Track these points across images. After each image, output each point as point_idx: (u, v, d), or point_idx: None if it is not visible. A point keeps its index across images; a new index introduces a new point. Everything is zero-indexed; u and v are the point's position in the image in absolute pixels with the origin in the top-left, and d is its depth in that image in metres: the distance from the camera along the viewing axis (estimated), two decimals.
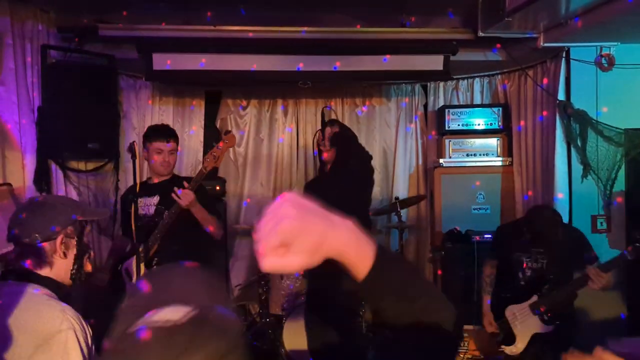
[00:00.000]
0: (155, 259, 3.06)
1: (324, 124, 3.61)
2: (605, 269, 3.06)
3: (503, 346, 3.50)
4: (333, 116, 5.65)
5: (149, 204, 3.23)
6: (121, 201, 3.59)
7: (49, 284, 1.72)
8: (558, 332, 3.35)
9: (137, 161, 2.88)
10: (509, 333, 3.47)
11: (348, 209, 3.24)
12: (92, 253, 1.94)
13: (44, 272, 1.74)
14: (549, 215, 3.41)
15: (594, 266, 3.14)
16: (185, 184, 3.05)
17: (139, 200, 3.20)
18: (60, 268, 1.78)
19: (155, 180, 3.33)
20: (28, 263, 1.72)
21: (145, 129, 3.61)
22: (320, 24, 4.40)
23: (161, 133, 3.30)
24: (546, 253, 3.38)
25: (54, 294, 1.71)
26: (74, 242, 1.81)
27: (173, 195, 2.99)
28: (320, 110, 5.70)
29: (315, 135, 3.71)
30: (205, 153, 5.58)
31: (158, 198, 3.18)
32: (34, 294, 1.67)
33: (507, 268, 3.58)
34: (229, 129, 5.66)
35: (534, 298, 3.36)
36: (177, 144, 3.38)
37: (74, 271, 1.81)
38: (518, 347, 3.41)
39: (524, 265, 3.44)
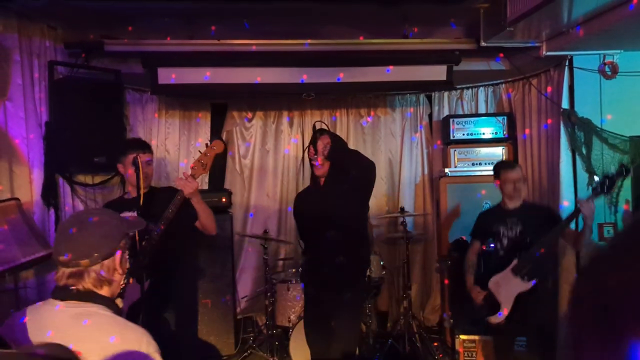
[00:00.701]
0: (150, 276, 2.90)
1: (314, 137, 3.45)
2: (592, 198, 3.31)
3: (489, 318, 3.56)
4: (339, 126, 5.69)
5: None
6: None
7: (108, 303, 1.64)
8: (538, 287, 3.46)
9: (140, 174, 2.87)
10: (494, 303, 3.54)
11: (347, 219, 3.24)
12: None
13: (104, 291, 1.65)
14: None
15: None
16: (185, 174, 2.99)
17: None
18: (117, 285, 1.70)
19: (134, 195, 3.16)
20: (89, 283, 1.62)
21: (123, 144, 3.54)
22: (323, 37, 4.44)
23: (140, 145, 3.26)
24: (520, 221, 3.57)
25: (114, 314, 1.63)
26: (126, 256, 1.73)
27: (177, 180, 2.91)
28: (325, 121, 5.75)
29: (306, 149, 3.61)
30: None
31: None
32: (107, 315, 1.60)
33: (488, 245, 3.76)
34: (235, 140, 5.71)
35: (514, 262, 3.48)
36: (153, 156, 3.33)
37: (123, 285, 1.73)
38: (503, 313, 3.49)
39: (501, 234, 3.61)
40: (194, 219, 3.13)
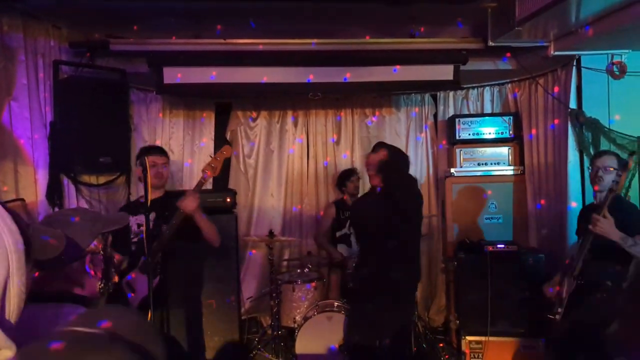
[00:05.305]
0: (159, 275, 3.18)
1: (373, 148, 3.76)
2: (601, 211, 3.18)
3: (549, 315, 3.56)
4: (344, 125, 5.69)
5: (141, 222, 3.25)
6: None
7: (86, 303, 1.64)
8: (579, 289, 3.41)
9: (147, 174, 2.85)
10: (560, 301, 3.54)
11: (396, 233, 3.23)
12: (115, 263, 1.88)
13: (78, 291, 1.66)
14: None
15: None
16: (188, 191, 3.24)
17: (132, 218, 3.30)
18: (92, 286, 1.71)
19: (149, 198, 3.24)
20: (60, 285, 1.62)
21: (139, 150, 3.69)
22: (329, 36, 4.41)
23: (156, 149, 3.56)
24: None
25: None
26: (100, 257, 1.73)
27: (178, 202, 3.12)
28: (330, 121, 5.74)
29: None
30: None
31: (154, 215, 3.20)
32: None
33: None
34: (240, 140, 5.69)
35: (567, 261, 3.51)
36: (168, 160, 3.58)
37: (102, 285, 1.74)
38: (559, 311, 3.50)
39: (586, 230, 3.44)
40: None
